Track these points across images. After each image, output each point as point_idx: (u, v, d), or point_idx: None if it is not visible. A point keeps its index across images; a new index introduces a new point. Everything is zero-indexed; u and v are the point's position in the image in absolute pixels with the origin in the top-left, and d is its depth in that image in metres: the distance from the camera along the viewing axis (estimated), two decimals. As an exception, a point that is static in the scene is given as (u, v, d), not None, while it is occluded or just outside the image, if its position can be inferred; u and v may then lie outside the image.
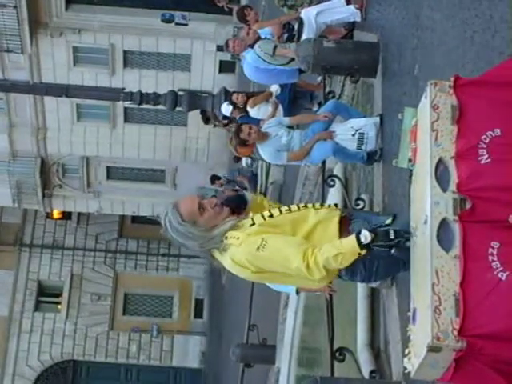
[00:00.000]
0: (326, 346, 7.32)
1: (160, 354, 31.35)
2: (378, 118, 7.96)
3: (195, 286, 32.33)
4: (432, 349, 3.20)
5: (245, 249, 3.80)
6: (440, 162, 3.52)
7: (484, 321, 3.20)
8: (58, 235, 32.72)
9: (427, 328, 3.24)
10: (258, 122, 10.51)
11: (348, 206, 7.66)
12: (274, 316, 14.21)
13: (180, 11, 25.02)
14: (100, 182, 29.82)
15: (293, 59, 9.54)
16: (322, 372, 8.44)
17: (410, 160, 3.91)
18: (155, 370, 31.43)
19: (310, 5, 10.58)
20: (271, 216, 3.93)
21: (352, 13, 9.47)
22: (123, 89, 17.21)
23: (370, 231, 3.62)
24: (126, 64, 26.58)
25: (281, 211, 3.97)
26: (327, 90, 9.41)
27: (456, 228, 3.39)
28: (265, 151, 8.62)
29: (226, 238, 3.86)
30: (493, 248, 3.31)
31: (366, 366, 7.01)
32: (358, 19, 9.49)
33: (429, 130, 3.58)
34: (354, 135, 8.00)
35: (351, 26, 9.86)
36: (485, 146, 3.43)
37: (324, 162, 8.72)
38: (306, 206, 4.03)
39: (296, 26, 10.05)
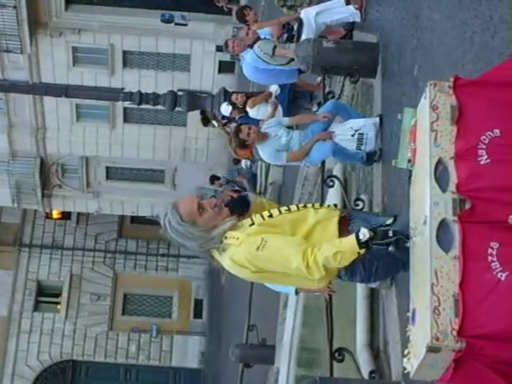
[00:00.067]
0: (325, 346, 7.31)
1: (159, 354, 31.35)
2: (377, 119, 7.96)
3: (194, 286, 32.34)
4: (431, 349, 3.20)
5: (244, 249, 3.80)
6: (439, 162, 3.52)
7: (483, 321, 3.20)
8: (57, 235, 32.72)
9: (426, 328, 3.24)
10: (257, 122, 10.51)
11: (347, 206, 7.66)
12: (274, 316, 14.21)
13: (179, 11, 25.02)
14: (99, 182, 29.82)
15: (292, 59, 9.55)
16: (322, 372, 8.44)
17: (409, 160, 3.91)
18: (154, 370, 31.43)
19: (309, 5, 10.58)
20: (270, 216, 3.93)
21: (351, 13, 9.47)
22: (123, 89, 17.18)
23: (369, 229, 3.63)
24: (125, 64, 26.58)
25: (280, 211, 3.97)
26: (327, 90, 9.41)
27: (455, 228, 3.39)
28: (264, 151, 8.62)
29: (226, 238, 3.86)
30: (492, 248, 3.31)
31: (365, 366, 7.01)
32: (358, 19, 9.49)
33: (428, 131, 3.58)
34: (353, 135, 8.00)
35: (351, 27, 9.86)
36: (484, 147, 3.43)
37: (323, 163, 8.72)
38: (305, 207, 4.03)
39: (295, 27, 10.05)
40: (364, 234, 3.61)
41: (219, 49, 21.53)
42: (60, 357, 31.23)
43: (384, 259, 3.89)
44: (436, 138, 3.56)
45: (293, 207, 4.01)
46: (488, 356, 3.21)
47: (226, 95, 13.51)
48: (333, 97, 8.99)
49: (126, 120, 28.07)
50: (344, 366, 6.82)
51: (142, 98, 15.32)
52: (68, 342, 31.20)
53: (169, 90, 16.34)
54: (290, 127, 8.71)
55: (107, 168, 29.74)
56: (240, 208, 4.00)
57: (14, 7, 23.91)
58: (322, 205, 4.13)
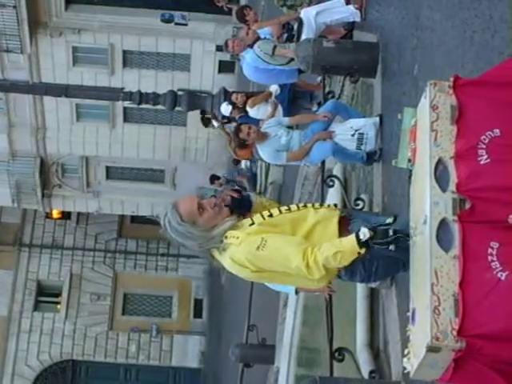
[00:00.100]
0: (325, 346, 7.31)
1: (159, 354, 31.35)
2: (377, 118, 7.96)
3: (194, 285, 32.34)
4: (431, 349, 3.20)
5: (245, 248, 3.80)
6: (439, 162, 3.52)
7: (483, 321, 3.20)
8: (57, 235, 32.72)
9: (426, 328, 3.24)
10: (257, 122, 10.51)
11: (347, 206, 7.66)
12: (274, 316, 14.21)
13: (179, 11, 25.02)
14: (99, 181, 29.82)
15: (292, 59, 9.54)
16: (322, 372, 8.44)
17: (409, 160, 3.91)
18: (154, 369, 31.43)
19: (309, 5, 10.57)
20: (271, 216, 3.93)
21: (351, 13, 9.47)
22: (122, 89, 17.19)
23: (369, 229, 3.63)
24: (125, 64, 26.58)
25: (280, 211, 3.97)
26: (327, 90, 9.41)
27: (455, 228, 3.39)
28: (264, 151, 8.63)
29: (226, 237, 3.86)
30: (492, 248, 3.31)
31: (365, 366, 7.01)
32: (358, 19, 9.49)
33: (428, 130, 3.58)
34: (353, 135, 8.00)
35: (351, 26, 9.86)
36: (484, 147, 3.43)
37: (323, 162, 8.72)
38: (305, 206, 4.03)
39: (295, 26, 10.04)
40: (364, 233, 3.61)
41: (219, 48, 21.54)
42: (60, 357, 31.23)
43: (384, 259, 3.89)
44: (436, 138, 3.56)
45: (293, 207, 4.01)
46: (488, 356, 3.21)
47: (226, 95, 13.51)
48: (333, 96, 9.00)
49: (125, 120, 28.07)
50: (344, 366, 6.83)
51: (142, 97, 15.32)
52: (68, 342, 31.20)
53: (169, 89, 16.34)
54: (290, 127, 8.71)
55: (107, 168, 29.74)
56: (242, 208, 4.00)
57: (14, 7, 23.91)
58: (322, 204, 4.13)
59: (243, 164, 19.50)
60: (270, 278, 4.07)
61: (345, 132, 8.07)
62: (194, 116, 23.81)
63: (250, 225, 3.88)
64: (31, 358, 30.91)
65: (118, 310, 31.96)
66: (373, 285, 6.70)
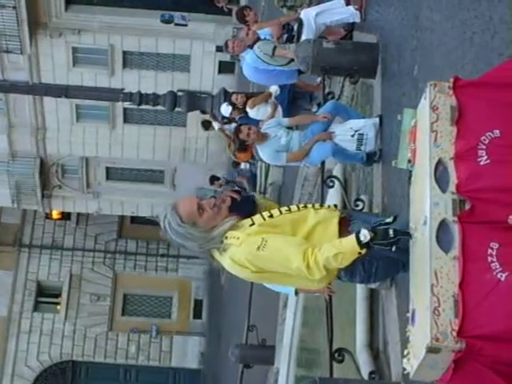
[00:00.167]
0: (325, 346, 7.31)
1: (159, 355, 31.35)
2: (377, 119, 7.96)
3: (194, 286, 32.34)
4: (431, 350, 3.20)
5: (245, 249, 3.80)
6: (439, 162, 3.52)
7: (483, 321, 3.20)
8: (57, 236, 32.71)
9: (426, 329, 3.24)
10: (257, 122, 10.51)
11: (347, 206, 7.66)
12: (273, 317, 14.21)
13: (179, 12, 25.01)
14: (99, 182, 29.81)
15: (292, 60, 9.54)
16: (321, 373, 8.44)
17: (409, 161, 3.91)
18: (154, 370, 31.43)
19: (309, 5, 10.58)
20: (271, 216, 3.93)
21: (351, 14, 9.47)
22: (122, 89, 17.19)
23: (369, 230, 3.63)
24: (125, 64, 26.59)
25: (280, 211, 3.98)
26: (326, 90, 9.41)
27: (455, 229, 3.39)
28: (264, 152, 8.62)
29: (226, 238, 3.86)
30: (492, 249, 3.31)
31: (365, 366, 7.01)
32: (358, 20, 9.49)
33: (428, 131, 3.58)
34: (353, 136, 8.00)
35: (351, 27, 9.86)
36: (484, 147, 3.43)
37: (323, 163, 8.72)
38: (305, 207, 4.03)
39: (295, 27, 10.05)
40: (365, 235, 3.61)
41: (219, 49, 21.54)
42: (60, 357, 31.23)
43: (384, 260, 3.89)
44: (436, 139, 3.56)
45: (293, 207, 4.01)
46: (488, 356, 3.21)
47: (226, 95, 13.52)
48: (333, 97, 8.99)
49: (125, 120, 28.07)
50: (344, 367, 6.82)
51: (142, 98, 15.32)
52: (68, 343, 31.20)
53: (169, 90, 16.34)
54: (289, 128, 8.71)
55: (107, 168, 29.74)
56: (244, 209, 4.00)
57: (14, 8, 23.91)
58: (322, 205, 4.13)
59: (243, 165, 19.50)
60: (270, 278, 4.07)
61: (345, 133, 8.07)
62: (194, 117, 23.84)
63: (251, 225, 3.88)
64: (31, 359, 30.91)
65: (118, 311, 31.96)
66: (373, 286, 6.70)
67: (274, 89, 11.33)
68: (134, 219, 32.96)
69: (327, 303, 6.95)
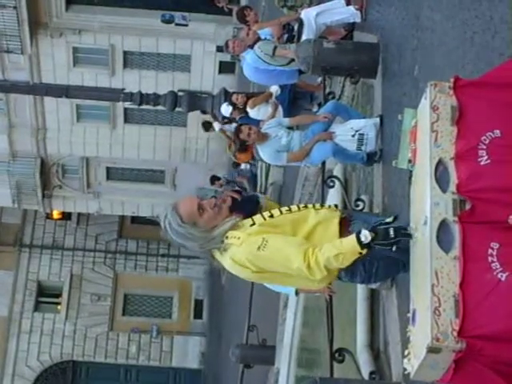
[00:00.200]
0: (325, 346, 7.31)
1: (159, 355, 31.35)
2: (377, 119, 7.96)
3: (195, 286, 32.34)
4: (431, 350, 3.20)
5: (245, 248, 3.80)
6: (440, 162, 3.52)
7: (484, 321, 3.20)
8: (57, 236, 32.71)
9: (427, 329, 3.24)
10: (257, 122, 10.51)
11: (348, 206, 7.66)
12: (274, 317, 14.21)
13: (180, 12, 25.01)
14: (100, 182, 29.82)
15: (293, 60, 9.54)
16: (322, 373, 8.44)
17: (409, 161, 3.91)
18: (155, 370, 31.43)
19: (309, 5, 10.58)
20: (271, 216, 3.93)
21: (352, 13, 9.46)
22: (123, 89, 17.18)
23: (370, 230, 3.63)
24: (125, 65, 26.58)
25: (281, 211, 3.97)
26: (327, 90, 9.41)
27: (456, 229, 3.39)
28: (264, 152, 8.62)
29: (227, 237, 3.86)
30: (492, 249, 3.31)
31: (365, 366, 7.01)
32: (358, 20, 9.48)
33: (428, 131, 3.58)
34: (353, 136, 8.00)
35: (351, 27, 9.86)
36: (484, 147, 3.43)
37: (324, 163, 8.72)
38: (306, 207, 4.03)
39: (296, 27, 10.04)
40: (365, 235, 3.61)
41: (220, 49, 21.51)
42: (60, 357, 31.23)
43: (384, 260, 3.89)
44: (436, 139, 3.56)
45: (294, 207, 4.01)
46: (488, 356, 3.20)
47: (227, 96, 13.52)
48: (333, 97, 8.99)
49: (126, 120, 28.07)
50: (344, 367, 6.82)
51: (143, 98, 15.33)
52: (68, 343, 31.20)
53: (169, 90, 16.35)
54: (290, 128, 8.71)
55: (108, 168, 29.75)
56: (247, 209, 4.00)
57: (15, 8, 23.91)
58: (322, 205, 4.13)
59: (243, 165, 19.50)
60: (270, 278, 4.07)
61: (345, 133, 8.07)
62: (195, 117, 23.84)
63: (251, 225, 3.88)
64: (31, 359, 30.91)
65: (119, 311, 31.96)
66: (373, 286, 6.69)
67: (274, 89, 11.33)
68: (135, 219, 32.96)
69: (327, 303, 6.94)
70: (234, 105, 12.12)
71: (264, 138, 8.55)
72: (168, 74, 26.59)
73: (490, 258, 3.29)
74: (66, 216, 32.69)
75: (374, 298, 7.69)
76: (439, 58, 5.98)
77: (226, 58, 21.98)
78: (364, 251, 3.64)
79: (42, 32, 25.48)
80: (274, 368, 13.38)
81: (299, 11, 10.23)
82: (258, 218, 3.91)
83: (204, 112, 16.55)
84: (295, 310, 12.12)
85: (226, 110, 12.62)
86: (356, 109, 9.40)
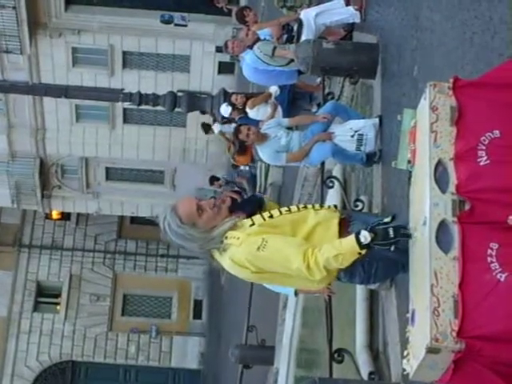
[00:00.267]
0: (324, 347, 7.31)
1: (159, 355, 31.34)
2: (377, 120, 7.96)
3: (194, 286, 32.33)
4: (431, 350, 3.20)
5: (245, 249, 3.80)
6: (439, 163, 3.52)
7: (483, 322, 3.20)
8: (56, 236, 32.71)
9: (426, 329, 3.24)
10: (257, 123, 10.51)
11: (347, 207, 7.66)
12: (273, 317, 14.20)
13: (179, 12, 25.00)
14: (99, 182, 29.81)
15: (292, 60, 9.54)
16: (321, 373, 8.44)
17: (409, 161, 3.91)
18: (154, 370, 31.43)
19: (309, 6, 10.59)
20: (271, 217, 3.93)
21: (351, 14, 9.46)
22: (122, 90, 17.19)
23: (369, 230, 3.63)
24: (125, 65, 26.58)
25: (280, 212, 3.97)
26: (326, 91, 9.40)
27: (455, 229, 3.39)
28: (264, 152, 8.62)
29: (226, 238, 3.86)
30: (492, 249, 3.31)
31: (364, 367, 7.01)
32: (358, 20, 9.49)
33: (428, 132, 3.58)
34: (353, 136, 8.00)
35: (350, 27, 9.86)
36: (484, 148, 3.43)
37: (323, 163, 8.72)
38: (305, 207, 4.03)
39: (295, 27, 10.04)
40: (365, 236, 3.61)
41: (219, 49, 21.51)
42: (59, 357, 31.22)
43: (383, 261, 3.89)
44: (436, 139, 3.56)
45: (293, 208, 4.01)
46: (487, 357, 3.20)
47: (226, 96, 13.52)
48: (332, 98, 8.99)
49: (125, 121, 28.06)
50: (343, 367, 6.82)
51: (142, 98, 15.32)
52: (67, 343, 31.19)
53: (168, 90, 16.34)
54: (289, 128, 8.71)
55: (107, 169, 29.74)
56: (248, 208, 4.00)
57: (14, 8, 23.90)
58: (322, 206, 4.13)
59: (242, 167, 19.48)
60: (270, 279, 4.07)
61: (344, 133, 8.06)
62: (194, 117, 23.82)
63: (251, 225, 3.88)
64: (31, 359, 30.90)
65: (118, 311, 31.96)
66: (372, 286, 6.69)
67: (273, 89, 11.33)
68: (134, 219, 32.95)
69: (327, 304, 6.94)
70: (233, 105, 12.12)
71: (263, 138, 8.55)
72: (167, 75, 26.59)
73: (489, 259, 3.29)
74: (65, 216, 32.68)
75: (373, 298, 7.69)
76: (438, 58, 5.98)
77: (226, 58, 21.96)
78: (363, 251, 3.64)
79: (41, 32, 25.47)
80: (274, 368, 13.37)
81: (298, 11, 10.24)
82: (257, 218, 3.91)
83: (203, 112, 16.55)
84: (294, 310, 12.12)
85: (225, 110, 12.62)
86: (355, 109, 9.40)
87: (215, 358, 26.51)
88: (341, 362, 6.60)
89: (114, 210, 30.99)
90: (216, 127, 15.69)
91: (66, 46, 25.97)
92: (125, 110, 27.08)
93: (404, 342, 3.71)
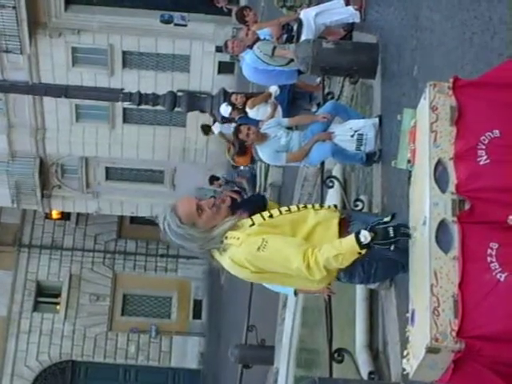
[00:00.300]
0: (324, 346, 7.31)
1: (159, 355, 31.34)
2: (376, 119, 7.96)
3: (194, 286, 32.33)
4: (430, 350, 3.20)
5: (245, 249, 3.80)
6: (439, 163, 3.52)
7: (483, 322, 3.20)
8: (56, 236, 32.71)
9: (426, 329, 3.24)
10: (256, 122, 10.51)
11: (347, 207, 7.66)
12: (273, 317, 14.20)
13: (179, 12, 25.00)
14: (99, 182, 29.81)
15: (292, 60, 9.54)
16: (321, 373, 8.44)
17: (408, 161, 3.91)
18: (154, 370, 31.42)
19: (309, 6, 10.58)
20: (271, 216, 3.93)
21: (351, 14, 9.46)
22: (122, 89, 17.18)
23: (369, 230, 3.63)
24: (124, 64, 26.58)
25: (280, 212, 3.97)
26: (326, 90, 9.40)
27: (455, 229, 3.39)
28: (264, 152, 8.62)
29: (226, 238, 3.86)
30: (492, 249, 3.30)
31: (364, 367, 7.01)
32: (357, 20, 9.48)
33: (428, 131, 3.58)
34: (352, 136, 8.00)
35: (350, 27, 9.85)
36: (484, 147, 3.43)
37: (323, 163, 8.72)
38: (305, 207, 4.03)
39: (295, 27, 10.04)
40: (365, 236, 3.61)
41: (219, 49, 21.53)
42: (59, 357, 31.22)
43: (383, 261, 3.89)
44: (435, 139, 3.56)
45: (293, 208, 4.01)
46: (487, 357, 3.20)
47: (226, 96, 13.51)
48: (332, 97, 8.99)
49: (125, 120, 28.07)
50: (343, 367, 6.82)
51: (142, 98, 15.31)
52: (67, 343, 31.19)
53: (168, 90, 16.33)
54: (289, 128, 8.71)
55: (107, 168, 29.74)
56: (251, 207, 4.00)
57: (14, 8, 23.90)
58: (322, 205, 4.13)
59: (242, 167, 19.47)
60: (270, 278, 4.06)
61: (344, 133, 8.06)
62: (194, 117, 23.84)
63: (251, 225, 3.88)
64: (30, 359, 30.90)
65: (118, 311, 31.96)
66: (372, 286, 6.69)
67: (273, 89, 11.32)
68: (134, 219, 32.96)
69: (326, 303, 6.95)
70: (233, 105, 12.11)
71: (263, 138, 8.54)
72: (167, 74, 26.59)
73: (489, 259, 3.28)
74: (65, 216, 32.69)
75: (372, 298, 7.69)
76: (438, 58, 5.98)
77: (225, 58, 21.96)
78: (363, 251, 3.64)
79: (41, 32, 25.48)
80: (273, 368, 13.37)
81: (298, 11, 10.23)
82: (257, 218, 3.91)
83: (203, 111, 16.54)
84: (294, 310, 12.12)
85: (225, 110, 12.61)
86: (355, 109, 9.40)
87: (215, 357, 26.51)
88: (341, 361, 6.60)
89: (113, 210, 31.00)
90: (216, 128, 15.68)
91: (66, 46, 25.98)
92: (125, 109, 27.08)
93: (404, 342, 3.71)
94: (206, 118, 18.78)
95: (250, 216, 3.94)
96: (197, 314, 32.09)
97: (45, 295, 32.08)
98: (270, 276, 3.95)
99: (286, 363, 12.27)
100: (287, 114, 10.86)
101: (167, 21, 24.74)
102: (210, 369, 29.06)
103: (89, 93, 18.55)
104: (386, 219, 3.84)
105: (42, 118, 27.60)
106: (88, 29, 25.73)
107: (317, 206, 4.08)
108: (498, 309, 3.20)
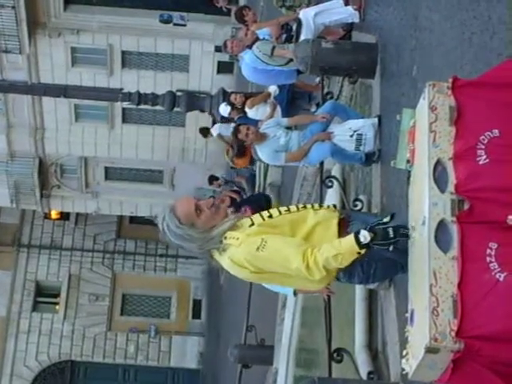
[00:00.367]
0: (323, 346, 7.31)
1: (158, 355, 31.34)
2: (376, 119, 7.96)
3: (193, 286, 32.33)
4: (430, 350, 3.20)
5: (244, 249, 3.79)
6: (438, 163, 3.52)
7: (482, 322, 3.20)
8: (55, 235, 32.69)
9: (425, 329, 3.24)
10: (256, 122, 10.50)
11: (346, 206, 7.66)
12: (272, 317, 14.20)
13: (178, 12, 25.00)
14: (98, 182, 29.80)
15: (291, 60, 9.54)
16: (320, 373, 8.44)
17: (408, 161, 3.91)
18: (153, 370, 31.42)
19: (308, 5, 10.57)
20: (270, 216, 3.93)
21: (350, 14, 9.46)
22: (121, 89, 17.20)
23: (368, 230, 3.63)
24: (124, 64, 26.57)
25: (280, 212, 3.97)
26: (325, 90, 9.40)
27: (454, 229, 3.39)
28: (263, 152, 8.62)
29: (225, 238, 3.86)
30: (491, 249, 3.30)
31: (363, 367, 7.01)
32: (357, 20, 9.48)
33: (427, 131, 3.58)
34: (352, 136, 8.00)
35: (349, 27, 9.85)
36: (483, 147, 3.43)
37: (322, 163, 8.72)
38: (304, 207, 4.03)
39: (294, 27, 10.04)
40: (365, 236, 3.61)
41: (218, 49, 21.54)
42: (58, 357, 31.21)
43: (382, 261, 3.89)
44: (435, 139, 3.56)
45: (292, 208, 4.01)
46: (486, 357, 3.20)
47: (225, 95, 13.52)
48: (331, 97, 8.99)
49: (124, 120, 28.06)
50: (342, 367, 6.82)
51: (141, 98, 15.32)
52: (66, 343, 31.18)
53: (167, 90, 16.34)
54: (288, 128, 8.71)
55: (106, 168, 29.73)
56: (255, 204, 4.01)
57: (13, 7, 23.89)
58: (321, 205, 4.13)
59: (241, 168, 19.46)
60: (269, 279, 4.06)
61: (343, 133, 8.06)
62: (193, 117, 23.84)
63: (250, 225, 3.88)
64: (30, 359, 30.89)
65: (117, 311, 31.95)
66: (371, 286, 6.69)
67: (272, 89, 11.33)
68: (133, 219, 32.95)
69: (326, 303, 6.95)
70: (232, 105, 12.12)
71: (262, 138, 8.54)
72: (166, 74, 26.58)
73: (488, 258, 3.28)
74: (64, 216, 32.67)
75: (372, 298, 7.69)
76: (437, 58, 5.98)
77: (225, 58, 21.96)
78: (363, 251, 3.64)
79: (40, 32, 25.47)
80: (273, 368, 13.37)
81: (297, 11, 10.22)
82: (256, 218, 3.91)
83: (202, 111, 16.54)
84: (293, 310, 12.12)
85: (224, 109, 12.62)
86: (354, 109, 9.40)
87: (214, 357, 26.51)
88: (340, 361, 6.61)
89: (113, 210, 30.99)
90: (214, 130, 15.66)
91: (65, 46, 25.96)
92: (124, 109, 27.07)
93: (403, 342, 3.71)
94: (205, 118, 18.79)
95: (254, 213, 3.94)
96: (196, 314, 32.09)
97: (44, 295, 32.07)
98: (269, 276, 3.95)
99: (286, 363, 12.27)
100: (286, 113, 10.86)
101: (166, 21, 24.73)
102: (209, 369, 29.05)
103: (88, 93, 18.56)
104: (385, 219, 3.84)
105: (41, 118, 27.60)
106: (87, 29, 25.72)
107: (316, 205, 4.08)
108: (497, 309, 3.20)
